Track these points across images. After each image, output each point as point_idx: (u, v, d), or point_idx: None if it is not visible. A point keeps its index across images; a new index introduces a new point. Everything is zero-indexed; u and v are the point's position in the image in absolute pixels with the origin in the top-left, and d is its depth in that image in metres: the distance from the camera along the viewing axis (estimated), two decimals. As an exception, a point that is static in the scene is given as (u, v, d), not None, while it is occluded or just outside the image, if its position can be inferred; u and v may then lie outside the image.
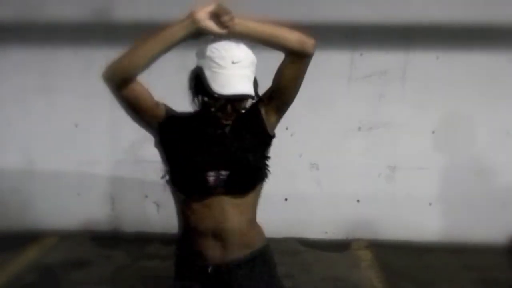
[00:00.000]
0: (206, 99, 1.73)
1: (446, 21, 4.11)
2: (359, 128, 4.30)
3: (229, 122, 1.78)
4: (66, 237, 4.53)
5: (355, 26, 4.15)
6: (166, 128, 1.87)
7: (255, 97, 1.76)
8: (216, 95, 1.66)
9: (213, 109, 1.73)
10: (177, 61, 4.32)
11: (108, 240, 4.53)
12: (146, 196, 4.65)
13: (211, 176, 1.78)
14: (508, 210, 4.41)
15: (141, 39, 1.78)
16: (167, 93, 4.39)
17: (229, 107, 1.72)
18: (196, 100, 1.80)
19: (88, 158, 4.58)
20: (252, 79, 1.72)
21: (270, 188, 1.97)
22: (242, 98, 1.71)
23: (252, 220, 1.92)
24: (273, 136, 1.91)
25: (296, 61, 1.75)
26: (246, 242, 1.89)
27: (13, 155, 4.61)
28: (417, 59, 4.24)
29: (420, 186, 4.42)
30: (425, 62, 4.23)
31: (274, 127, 1.91)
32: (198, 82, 1.73)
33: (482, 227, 4.39)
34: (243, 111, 1.79)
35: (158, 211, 4.66)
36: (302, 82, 1.82)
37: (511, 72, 4.23)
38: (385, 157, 4.41)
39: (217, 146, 1.82)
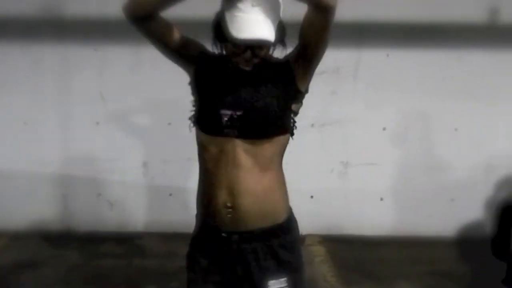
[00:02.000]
0: (224, 43, 1.71)
1: (396, 19, 4.18)
2: (312, 125, 4.34)
3: (248, 68, 1.72)
4: (16, 237, 4.43)
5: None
6: (198, 69, 1.84)
7: (278, 44, 1.72)
8: (234, 40, 1.60)
9: (231, 54, 1.71)
10: (130, 58, 4.33)
11: (60, 240, 4.45)
12: (99, 195, 4.59)
13: (225, 115, 1.72)
14: (456, 205, 4.53)
15: None
16: (118, 89, 4.36)
17: (248, 52, 1.67)
18: (216, 45, 1.77)
19: (38, 157, 4.49)
20: (274, 25, 1.64)
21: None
22: (261, 44, 1.64)
23: (270, 180, 1.81)
24: (304, 92, 1.86)
25: (320, 12, 1.67)
26: (263, 206, 1.79)
27: (-41, 155, 4.49)
28: (368, 57, 4.31)
29: (372, 181, 4.49)
30: (376, 60, 4.30)
31: (305, 84, 1.85)
32: (219, 26, 1.69)
33: (432, 221, 4.50)
34: (272, 60, 1.78)
35: (112, 210, 4.61)
36: (329, 34, 1.75)
37: (460, 70, 4.33)
38: (338, 153, 4.47)
39: (238, 87, 1.76)
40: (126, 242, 4.42)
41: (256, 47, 1.66)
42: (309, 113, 4.22)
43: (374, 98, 4.36)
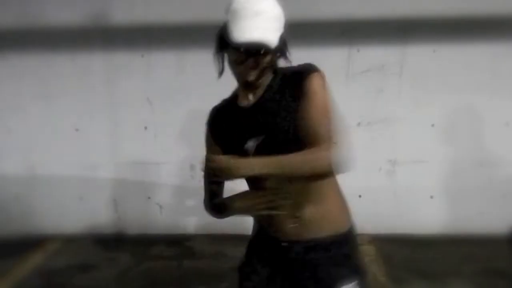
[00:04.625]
0: (226, 52, 1.73)
1: (442, 14, 4.11)
2: (359, 124, 4.31)
3: (251, 77, 1.71)
4: (70, 241, 4.55)
5: (351, 22, 4.16)
6: (216, 133, 1.95)
7: (282, 53, 1.72)
8: (234, 43, 1.62)
9: (233, 64, 1.72)
10: (175, 62, 4.39)
11: (112, 243, 4.55)
12: (149, 198, 4.66)
13: (250, 144, 1.75)
14: (509, 201, 4.42)
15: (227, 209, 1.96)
16: (165, 93, 4.43)
17: (250, 60, 1.67)
18: (218, 57, 1.78)
19: (90, 162, 4.60)
20: (276, 34, 1.65)
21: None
22: (261, 48, 1.63)
23: (324, 187, 1.81)
24: None
25: None
26: (325, 216, 1.80)
27: (14, 162, 4.63)
28: (414, 53, 4.25)
29: (421, 179, 4.43)
30: (422, 56, 4.24)
31: None
32: (222, 38, 1.72)
33: (484, 218, 4.41)
34: (283, 72, 1.78)
35: (161, 212, 4.68)
36: None
37: (509, 63, 4.23)
38: (385, 152, 4.43)
39: (252, 119, 1.77)
40: (176, 244, 4.48)
41: (258, 54, 1.66)
42: (355, 112, 4.25)
43: (421, 95, 4.30)
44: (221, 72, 1.80)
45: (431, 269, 3.90)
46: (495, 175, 4.43)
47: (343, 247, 1.83)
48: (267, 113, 1.75)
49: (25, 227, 4.63)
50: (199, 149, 4.67)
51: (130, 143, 4.55)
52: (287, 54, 1.75)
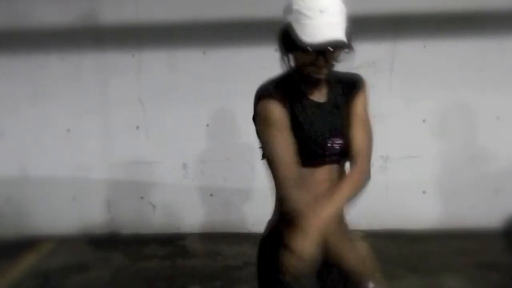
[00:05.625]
0: (294, 54, 1.69)
1: (432, 10, 4.12)
2: (350, 120, 4.31)
3: (322, 75, 1.69)
4: (64, 242, 4.54)
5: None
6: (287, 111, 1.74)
7: (350, 47, 1.67)
8: (307, 46, 1.58)
9: (301, 65, 1.69)
10: (166, 61, 4.39)
11: (106, 243, 4.54)
12: (142, 197, 4.66)
13: (329, 144, 1.74)
14: (501, 195, 4.44)
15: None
16: (156, 92, 4.43)
17: (321, 59, 1.64)
18: (286, 58, 1.73)
19: (82, 163, 4.59)
20: (343, 27, 1.63)
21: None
22: (335, 46, 1.61)
23: None
24: None
25: None
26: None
27: (6, 164, 4.61)
28: (405, 49, 4.26)
29: (413, 175, 4.44)
30: (413, 52, 4.25)
31: None
32: (287, 39, 1.66)
33: (476, 212, 4.43)
34: (343, 76, 1.80)
35: (155, 212, 4.67)
36: None
37: (499, 58, 4.24)
38: (377, 148, 4.39)
39: (326, 116, 1.77)
40: (169, 243, 4.48)
41: (328, 52, 1.63)
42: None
43: (412, 91, 4.31)
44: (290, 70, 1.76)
45: (424, 264, 3.92)
46: (487, 169, 4.45)
47: None
48: (341, 114, 1.79)
49: (18, 229, 4.61)
50: (190, 148, 4.69)
51: (122, 143, 4.54)
52: (353, 47, 1.72)
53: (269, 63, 1.71)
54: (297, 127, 1.72)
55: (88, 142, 4.55)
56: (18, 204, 4.69)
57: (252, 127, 1.80)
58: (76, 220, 4.66)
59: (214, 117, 4.38)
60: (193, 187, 4.56)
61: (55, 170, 4.62)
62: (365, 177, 1.79)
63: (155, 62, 4.36)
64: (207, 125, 4.41)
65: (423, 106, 4.34)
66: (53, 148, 4.57)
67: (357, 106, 1.79)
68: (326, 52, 1.63)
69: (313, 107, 1.76)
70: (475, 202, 4.45)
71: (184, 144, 4.43)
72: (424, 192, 4.48)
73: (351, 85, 1.81)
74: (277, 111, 1.69)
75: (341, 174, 1.82)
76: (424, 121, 4.38)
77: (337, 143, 1.75)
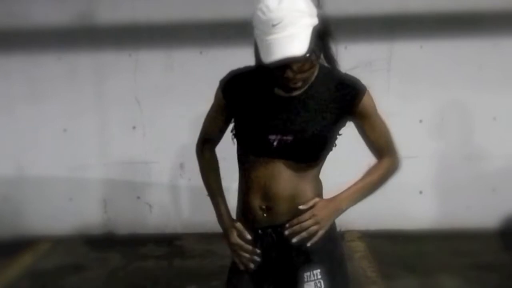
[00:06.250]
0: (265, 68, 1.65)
1: (428, 10, 4.12)
2: (347, 120, 4.31)
3: (298, 85, 1.67)
4: (60, 242, 4.52)
5: (338, 19, 4.15)
6: (231, 101, 1.87)
7: (312, 53, 1.60)
8: (266, 65, 1.57)
9: (274, 78, 1.68)
10: (162, 61, 4.39)
11: (102, 243, 4.53)
12: (138, 198, 4.65)
13: (274, 140, 1.73)
14: (498, 195, 4.44)
15: (206, 181, 2.05)
16: (152, 92, 4.43)
17: (288, 72, 1.60)
18: (263, 73, 1.71)
19: (78, 163, 4.58)
20: (305, 33, 1.55)
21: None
22: (293, 60, 1.56)
23: (310, 188, 1.83)
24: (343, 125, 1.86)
25: None
26: (294, 203, 1.79)
27: (2, 163, 4.59)
28: (401, 49, 4.26)
29: (410, 175, 4.39)
30: (410, 52, 4.25)
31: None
32: (257, 54, 1.65)
33: (473, 212, 4.43)
34: (332, 76, 1.77)
35: (151, 212, 4.67)
36: None
37: (495, 58, 4.25)
38: (374, 148, 4.42)
39: (286, 110, 1.74)
40: (166, 243, 4.47)
41: (294, 63, 1.59)
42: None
43: (409, 91, 4.31)
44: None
45: (421, 264, 3.91)
46: (483, 169, 4.45)
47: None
48: (306, 110, 1.74)
49: (14, 229, 4.59)
50: (187, 148, 4.67)
51: (118, 143, 4.53)
52: (328, 47, 1.71)
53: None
54: (244, 116, 1.81)
55: (84, 141, 4.54)
56: (14, 203, 4.67)
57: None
58: (73, 220, 4.64)
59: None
60: (190, 187, 4.55)
61: (52, 170, 4.61)
62: (395, 166, 1.97)
63: (152, 61, 4.36)
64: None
65: (420, 106, 4.34)
66: (49, 147, 4.55)
67: (365, 110, 1.81)
68: (290, 66, 1.59)
69: (271, 101, 1.76)
70: (472, 202, 4.45)
71: (181, 144, 4.42)
72: (420, 192, 4.49)
73: (348, 91, 1.77)
74: (219, 97, 1.91)
75: (294, 174, 1.78)
76: (420, 121, 4.38)
77: (285, 139, 1.72)
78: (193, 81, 4.23)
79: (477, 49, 4.23)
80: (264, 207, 1.80)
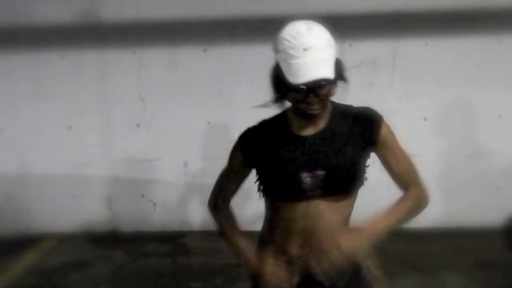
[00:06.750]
0: (287, 94, 1.69)
1: (433, 7, 4.11)
2: (351, 118, 4.30)
3: (315, 111, 1.68)
4: (64, 239, 4.54)
5: (343, 16, 4.16)
6: (251, 153, 1.85)
7: (338, 81, 1.67)
8: (293, 86, 1.59)
9: (294, 103, 1.70)
10: (167, 59, 4.39)
11: (107, 241, 4.54)
12: (143, 195, 4.65)
13: (307, 177, 1.72)
14: (502, 193, 4.44)
15: (224, 230, 2.11)
16: (156, 90, 4.42)
17: (310, 96, 1.63)
18: (277, 97, 1.74)
19: (83, 160, 4.59)
20: (331, 61, 1.62)
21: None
22: (321, 83, 1.60)
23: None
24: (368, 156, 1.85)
25: None
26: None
27: (6, 161, 4.61)
28: (406, 47, 4.25)
29: (414, 173, 4.43)
30: (414, 50, 4.25)
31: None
32: (277, 78, 1.67)
33: (477, 210, 4.43)
34: (347, 110, 1.81)
35: (155, 209, 4.67)
36: None
37: (500, 55, 4.24)
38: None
39: (310, 148, 1.75)
40: (170, 241, 4.48)
41: (319, 88, 1.62)
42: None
43: (414, 89, 4.30)
44: (278, 104, 1.77)
45: (424, 262, 3.91)
46: (488, 167, 4.44)
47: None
48: (329, 145, 1.75)
49: (18, 226, 4.61)
50: (191, 146, 4.68)
51: (123, 140, 4.53)
52: (345, 78, 1.72)
53: (270, 60, 1.70)
54: (268, 162, 1.78)
55: (88, 139, 4.55)
56: (18, 201, 4.68)
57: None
58: (77, 217, 4.66)
59: (215, 114, 4.38)
60: (194, 185, 4.55)
61: (56, 167, 4.62)
62: (424, 198, 1.94)
63: (156, 59, 4.36)
64: (208, 123, 4.41)
65: (425, 104, 4.34)
66: (53, 145, 4.56)
67: (385, 139, 1.81)
68: (315, 89, 1.62)
69: (292, 141, 1.77)
70: (476, 200, 4.45)
71: (185, 142, 4.42)
72: (425, 190, 4.47)
73: (367, 121, 1.80)
74: (236, 155, 1.88)
75: (334, 210, 1.78)
76: (425, 119, 4.37)
77: (317, 174, 1.72)
78: (197, 79, 4.23)
79: (483, 46, 4.22)
80: (304, 257, 1.79)
